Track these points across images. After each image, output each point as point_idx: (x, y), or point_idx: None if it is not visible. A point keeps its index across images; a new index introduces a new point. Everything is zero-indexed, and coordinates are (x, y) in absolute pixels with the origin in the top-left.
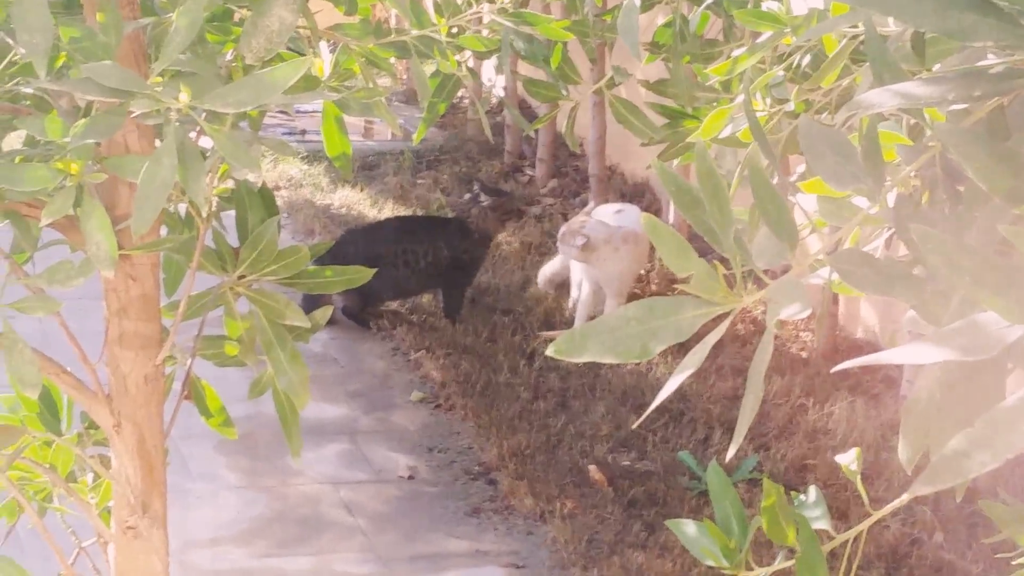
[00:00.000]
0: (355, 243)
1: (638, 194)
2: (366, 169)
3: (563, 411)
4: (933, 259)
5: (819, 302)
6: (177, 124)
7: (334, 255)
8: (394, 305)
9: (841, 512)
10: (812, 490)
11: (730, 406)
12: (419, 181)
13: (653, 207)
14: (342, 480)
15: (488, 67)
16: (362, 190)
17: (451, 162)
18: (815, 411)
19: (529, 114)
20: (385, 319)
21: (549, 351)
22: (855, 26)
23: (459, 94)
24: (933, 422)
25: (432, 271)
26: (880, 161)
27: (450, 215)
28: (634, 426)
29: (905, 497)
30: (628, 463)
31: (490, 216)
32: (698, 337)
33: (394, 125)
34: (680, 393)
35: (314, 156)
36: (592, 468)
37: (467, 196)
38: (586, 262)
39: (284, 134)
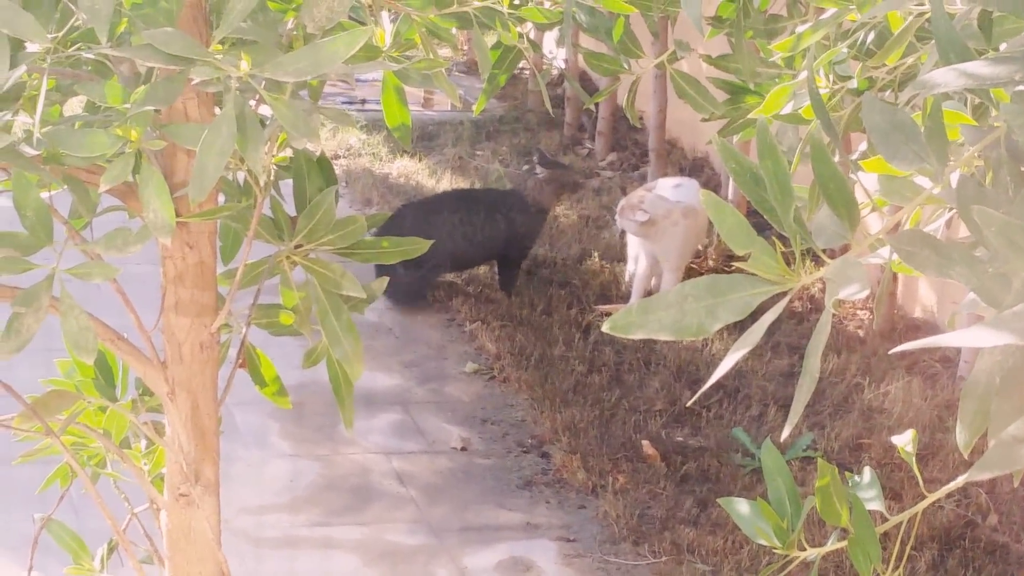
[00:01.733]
0: (413, 215)
1: (697, 168)
2: (425, 139)
3: (617, 385)
4: (995, 241)
5: (878, 282)
6: (237, 92)
7: (392, 227)
8: (451, 277)
9: (895, 492)
10: (867, 471)
11: (785, 383)
12: (478, 152)
13: (712, 182)
14: (394, 450)
15: (549, 39)
16: (420, 160)
17: (510, 133)
18: (871, 390)
19: (589, 87)
20: (441, 290)
21: (605, 327)
22: (921, 3)
23: (519, 66)
24: (992, 406)
25: (489, 244)
26: (944, 141)
27: (507, 187)
28: (689, 403)
29: (961, 481)
30: (681, 439)
31: (546, 188)
32: (755, 315)
33: (454, 96)
34: (735, 370)
35: (373, 125)
36: (645, 443)
37: (524, 168)
38: (645, 237)
39: (344, 103)
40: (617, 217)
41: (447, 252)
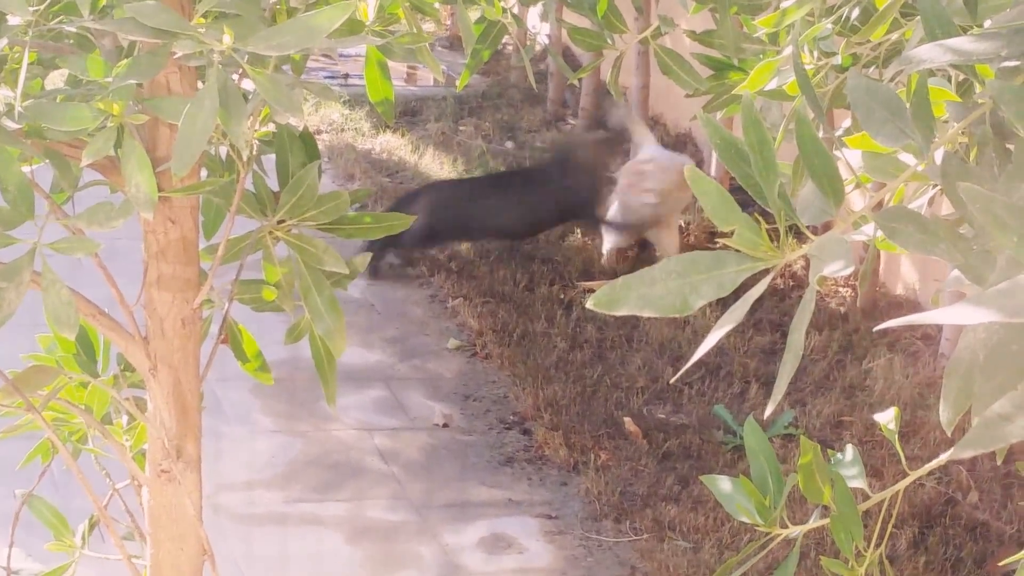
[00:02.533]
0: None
1: (680, 144)
2: (408, 115)
3: (599, 362)
4: (980, 218)
5: (861, 259)
6: (220, 66)
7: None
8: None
9: (876, 470)
10: (849, 448)
11: (767, 360)
12: (461, 128)
13: (695, 157)
14: (377, 427)
15: (533, 14)
16: (403, 136)
17: (493, 109)
18: (853, 367)
19: (573, 62)
20: (423, 266)
21: (588, 304)
22: None
23: (503, 41)
24: (975, 384)
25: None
26: (930, 118)
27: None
28: (671, 381)
29: (943, 458)
30: (663, 416)
31: (601, 149)
32: (738, 292)
33: (437, 71)
34: (717, 347)
35: (356, 100)
36: (627, 420)
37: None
38: (656, 221)
39: (326, 78)
40: (622, 194)
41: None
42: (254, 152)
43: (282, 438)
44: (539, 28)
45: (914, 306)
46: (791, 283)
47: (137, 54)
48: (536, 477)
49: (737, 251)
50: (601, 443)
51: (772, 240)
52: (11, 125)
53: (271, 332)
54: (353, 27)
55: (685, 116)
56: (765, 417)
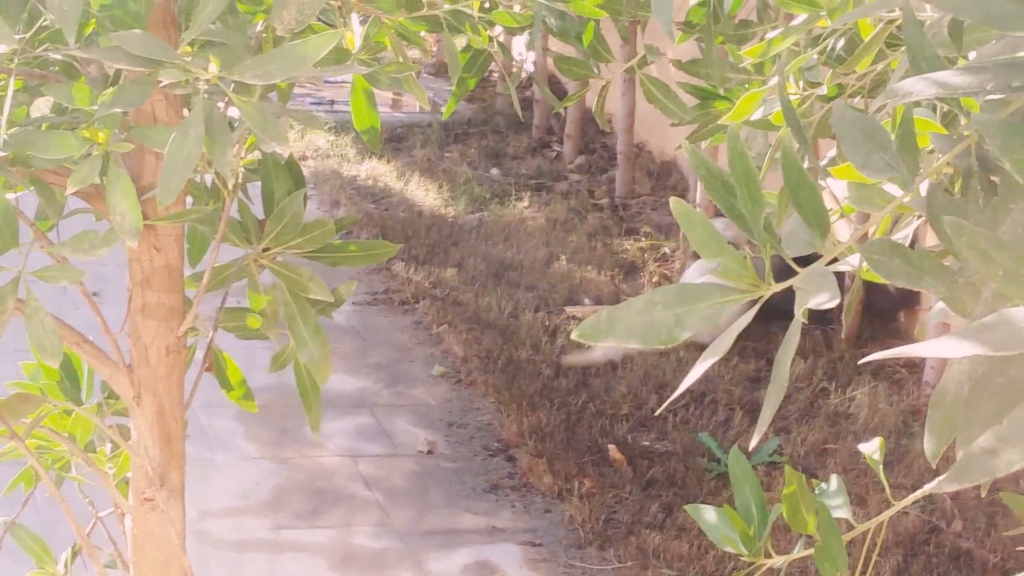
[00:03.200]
0: None
1: (665, 172)
2: (394, 141)
3: (584, 389)
4: (966, 252)
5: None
6: (205, 95)
7: None
8: (418, 278)
9: (860, 498)
10: (833, 479)
11: (752, 388)
12: (446, 154)
13: (680, 186)
14: (361, 453)
15: (518, 41)
16: (389, 162)
17: (479, 136)
18: (837, 395)
19: (558, 90)
20: (408, 293)
21: (574, 335)
22: (891, 11)
23: (488, 68)
24: (960, 416)
25: None
26: (915, 151)
27: None
28: (657, 412)
29: (928, 489)
30: (647, 443)
31: None
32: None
33: (424, 100)
34: (701, 375)
35: (342, 127)
36: (611, 447)
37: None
38: None
39: (312, 104)
40: None
41: None
42: (239, 180)
43: (267, 464)
44: (524, 55)
45: (897, 333)
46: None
47: (123, 82)
48: (520, 504)
49: (723, 284)
50: (585, 470)
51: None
52: None
53: (255, 358)
54: (339, 55)
55: (670, 144)
56: (750, 447)
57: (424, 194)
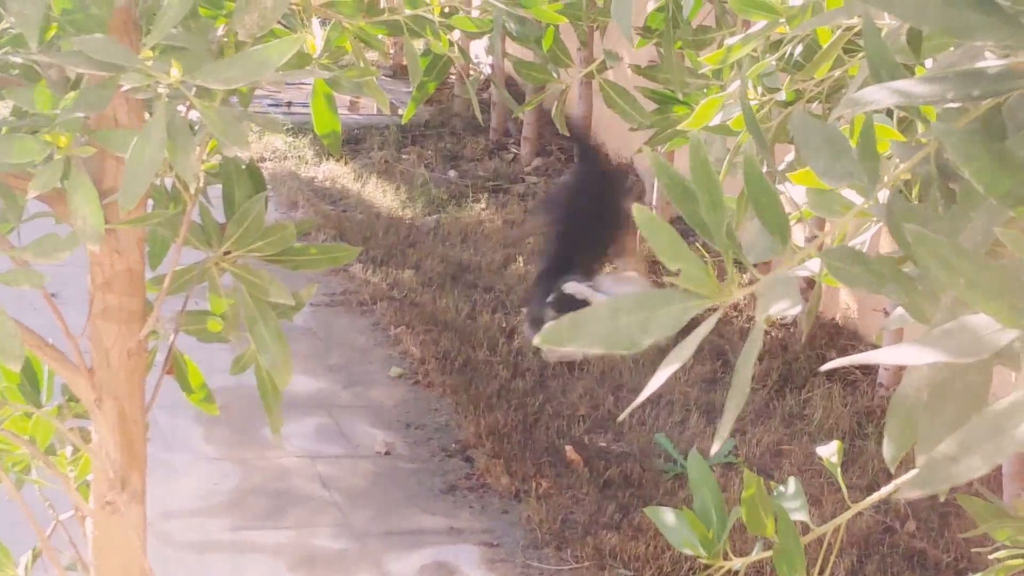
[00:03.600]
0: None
1: (622, 174)
2: (351, 143)
3: (541, 390)
4: (928, 260)
5: (805, 293)
6: (167, 99)
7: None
8: (376, 279)
9: (815, 498)
10: (791, 481)
11: (708, 389)
12: (404, 156)
13: (636, 188)
14: (319, 454)
15: (476, 44)
16: (347, 164)
17: (436, 138)
18: (792, 396)
19: (516, 92)
20: (366, 294)
21: (536, 340)
22: (851, 18)
23: (448, 72)
24: (920, 422)
25: None
26: (876, 159)
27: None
28: (620, 418)
29: (885, 491)
30: (604, 444)
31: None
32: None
33: (385, 105)
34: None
35: (299, 128)
36: (568, 448)
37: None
38: None
39: (270, 105)
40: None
41: None
42: (201, 184)
43: (225, 465)
44: (481, 58)
45: (852, 333)
46: (732, 312)
47: (84, 87)
48: (478, 505)
49: (685, 290)
50: (543, 471)
51: (718, 276)
52: None
53: (213, 360)
54: (301, 59)
55: (627, 145)
56: (711, 452)
57: (382, 196)
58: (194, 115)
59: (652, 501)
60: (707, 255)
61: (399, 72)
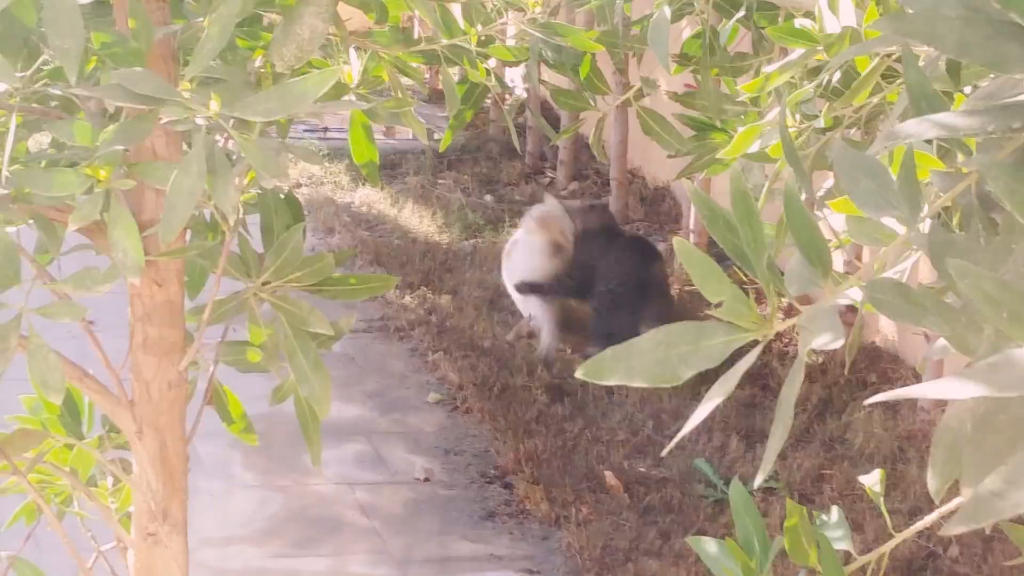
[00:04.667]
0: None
1: (659, 198)
2: (387, 168)
3: (580, 416)
4: (968, 293)
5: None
6: (206, 132)
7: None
8: (413, 304)
9: (857, 523)
10: (834, 510)
11: (747, 414)
12: (440, 181)
13: (674, 211)
14: (358, 481)
15: (512, 69)
16: (383, 189)
17: (472, 162)
18: (833, 420)
19: (551, 116)
20: (403, 320)
21: (578, 373)
22: (887, 46)
23: (484, 99)
24: (964, 454)
25: None
26: (917, 190)
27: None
28: (663, 453)
29: (928, 520)
30: (644, 469)
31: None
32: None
33: (423, 134)
34: (697, 399)
35: (336, 154)
36: (608, 474)
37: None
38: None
39: (306, 131)
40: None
41: None
42: (240, 215)
43: (262, 492)
44: (518, 83)
45: (892, 356)
46: (772, 336)
47: (124, 120)
48: (517, 531)
49: (726, 322)
50: (582, 497)
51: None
52: None
53: (254, 386)
54: (338, 89)
55: (663, 170)
56: (755, 484)
57: (418, 221)
58: (232, 145)
59: (693, 527)
60: (744, 278)
61: (435, 96)
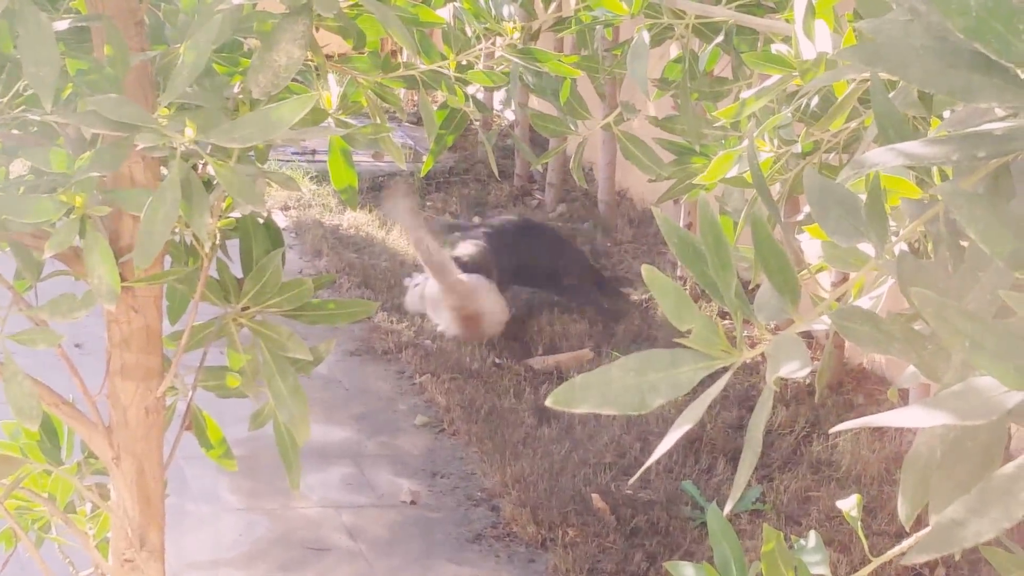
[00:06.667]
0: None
1: (646, 220)
2: (375, 190)
3: (567, 438)
4: (932, 321)
5: (822, 343)
6: (182, 159)
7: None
8: (400, 327)
9: (843, 546)
10: (812, 535)
11: (734, 435)
12: (428, 203)
13: (656, 237)
14: (344, 504)
15: (498, 93)
16: (371, 211)
17: (460, 184)
18: (819, 442)
19: (537, 138)
20: (391, 342)
21: (548, 401)
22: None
23: (466, 124)
24: (932, 481)
25: None
26: (883, 217)
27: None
28: (631, 482)
29: (898, 550)
30: (631, 492)
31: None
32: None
33: (400, 160)
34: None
35: (323, 176)
36: (595, 496)
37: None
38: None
39: (294, 154)
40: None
41: None
42: (217, 241)
43: (249, 515)
44: (502, 105)
45: (879, 378)
46: (760, 358)
47: (100, 146)
48: (504, 554)
49: (695, 350)
50: (569, 519)
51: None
52: None
53: (236, 411)
54: (316, 115)
55: (652, 191)
56: (727, 508)
57: (406, 243)
58: (212, 170)
59: (679, 549)
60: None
61: (421, 119)
